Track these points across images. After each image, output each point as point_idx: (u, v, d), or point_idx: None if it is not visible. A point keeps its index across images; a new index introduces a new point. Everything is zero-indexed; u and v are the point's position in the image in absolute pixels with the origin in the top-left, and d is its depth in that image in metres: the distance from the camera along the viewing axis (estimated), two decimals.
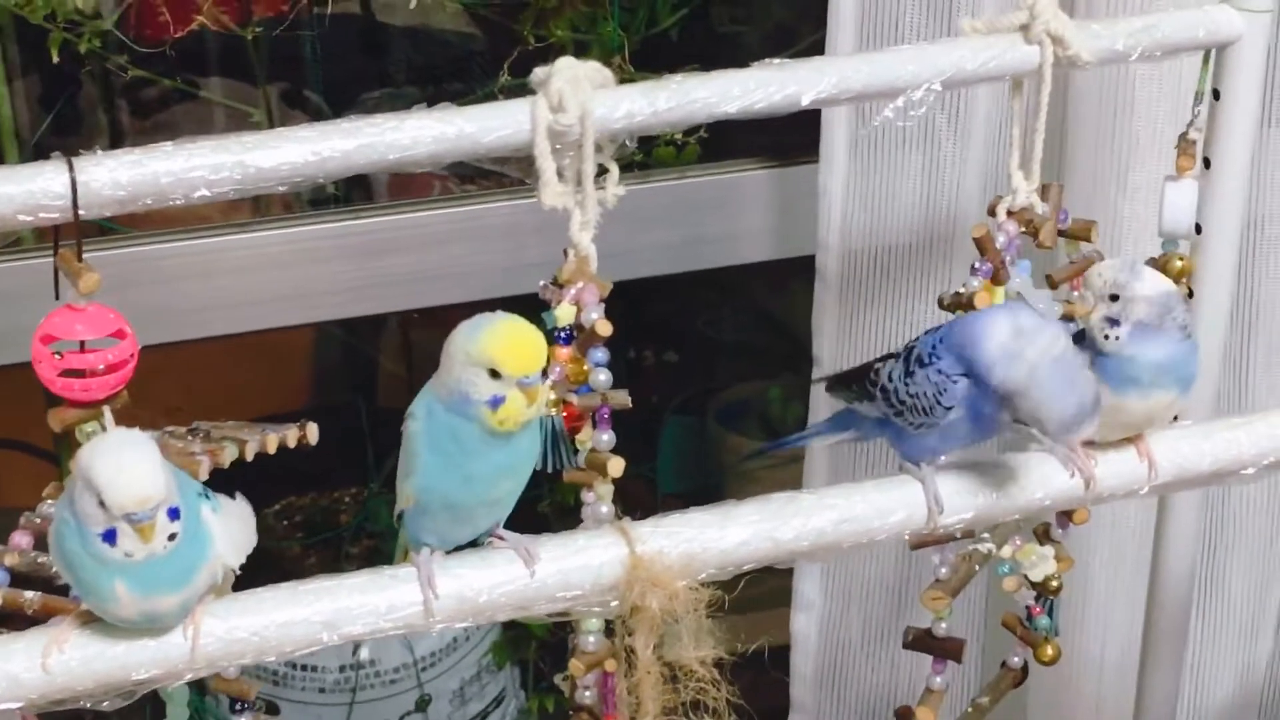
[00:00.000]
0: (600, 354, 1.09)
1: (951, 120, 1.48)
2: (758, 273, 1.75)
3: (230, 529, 0.90)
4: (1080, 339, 1.05)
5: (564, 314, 1.09)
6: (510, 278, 1.54)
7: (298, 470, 1.97)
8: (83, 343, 1.01)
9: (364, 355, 2.17)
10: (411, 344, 2.15)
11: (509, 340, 0.92)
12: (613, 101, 1.05)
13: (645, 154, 1.65)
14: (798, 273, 1.61)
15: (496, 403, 0.92)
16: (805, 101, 1.09)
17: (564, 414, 1.09)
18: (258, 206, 1.85)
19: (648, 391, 2.07)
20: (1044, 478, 1.04)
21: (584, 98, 1.04)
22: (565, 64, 1.05)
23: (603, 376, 1.09)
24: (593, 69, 1.06)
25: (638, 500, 2.09)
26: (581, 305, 1.09)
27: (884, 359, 1.07)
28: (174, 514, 0.85)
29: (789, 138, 1.56)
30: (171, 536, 0.85)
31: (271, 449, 1.18)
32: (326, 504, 2.05)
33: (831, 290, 1.53)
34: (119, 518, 0.84)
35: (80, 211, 0.98)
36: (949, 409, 1.00)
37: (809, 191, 1.52)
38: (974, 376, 0.99)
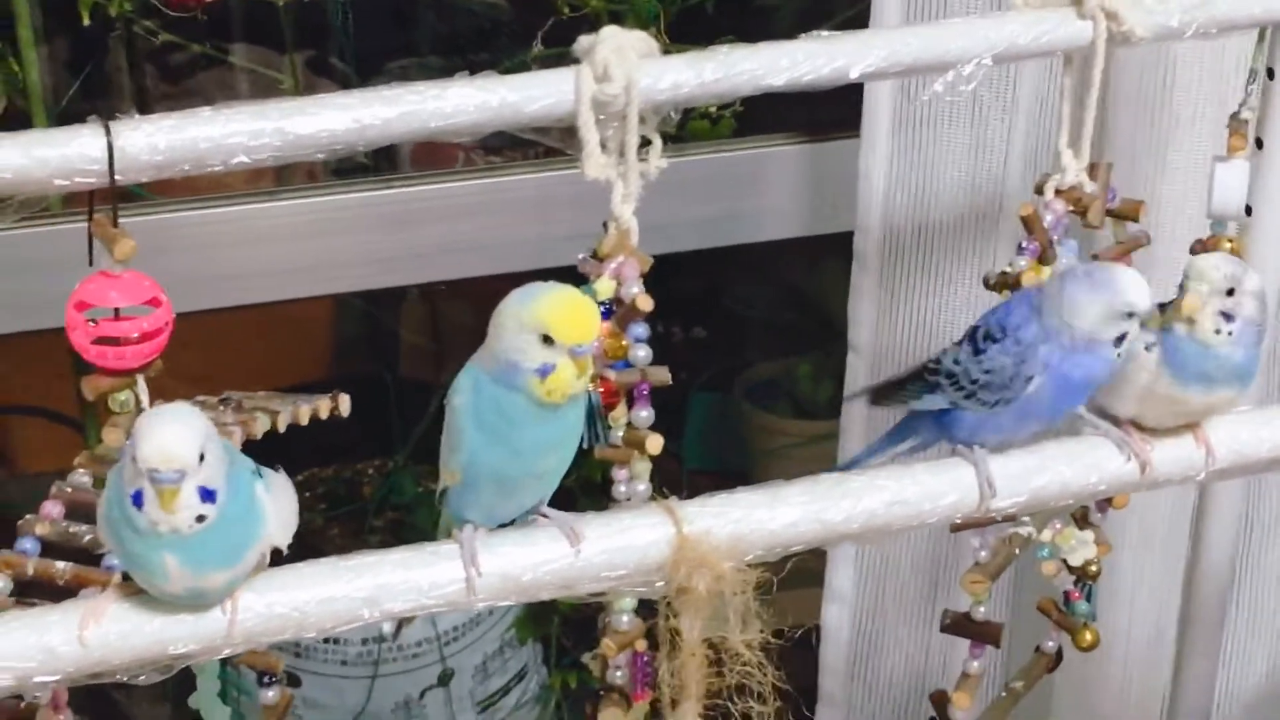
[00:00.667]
0: (640, 329, 1.07)
1: (998, 96, 1.46)
2: (788, 249, 1.74)
3: (281, 508, 0.89)
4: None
5: (604, 288, 1.07)
6: (540, 250, 1.52)
7: (321, 442, 1.96)
8: (117, 310, 0.99)
9: (388, 326, 2.15)
10: (437, 315, 2.13)
11: (565, 307, 0.91)
12: (658, 72, 1.03)
13: (679, 127, 1.63)
14: (829, 249, 1.59)
15: (546, 371, 0.90)
16: (854, 74, 1.07)
17: (600, 390, 1.07)
18: (280, 175, 1.83)
19: (675, 367, 2.05)
20: (1098, 461, 1.02)
21: (629, 67, 1.02)
22: (610, 32, 1.03)
23: (642, 353, 1.08)
24: (638, 38, 1.04)
25: (663, 476, 2.08)
26: (621, 280, 1.07)
27: (939, 354, 1.06)
28: (207, 495, 0.84)
29: (824, 113, 1.54)
30: (201, 518, 0.83)
31: (304, 420, 1.16)
32: (350, 476, 2.04)
33: (870, 274, 1.51)
34: (144, 474, 0.82)
35: (117, 177, 0.96)
36: (1030, 379, 0.99)
37: (843, 168, 1.50)
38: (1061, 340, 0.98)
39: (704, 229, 1.59)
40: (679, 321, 2.11)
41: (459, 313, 2.08)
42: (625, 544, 0.93)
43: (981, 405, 1.01)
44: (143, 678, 0.88)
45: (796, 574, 1.67)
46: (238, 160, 0.98)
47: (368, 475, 2.03)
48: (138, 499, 0.83)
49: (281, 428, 1.15)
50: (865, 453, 1.17)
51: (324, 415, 1.18)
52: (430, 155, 1.88)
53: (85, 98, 1.74)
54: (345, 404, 1.18)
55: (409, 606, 0.88)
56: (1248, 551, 1.58)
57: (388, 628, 1.73)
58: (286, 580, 0.88)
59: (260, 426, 1.13)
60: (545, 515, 0.95)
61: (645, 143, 1.06)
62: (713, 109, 1.63)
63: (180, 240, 1.53)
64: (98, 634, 0.85)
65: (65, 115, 1.64)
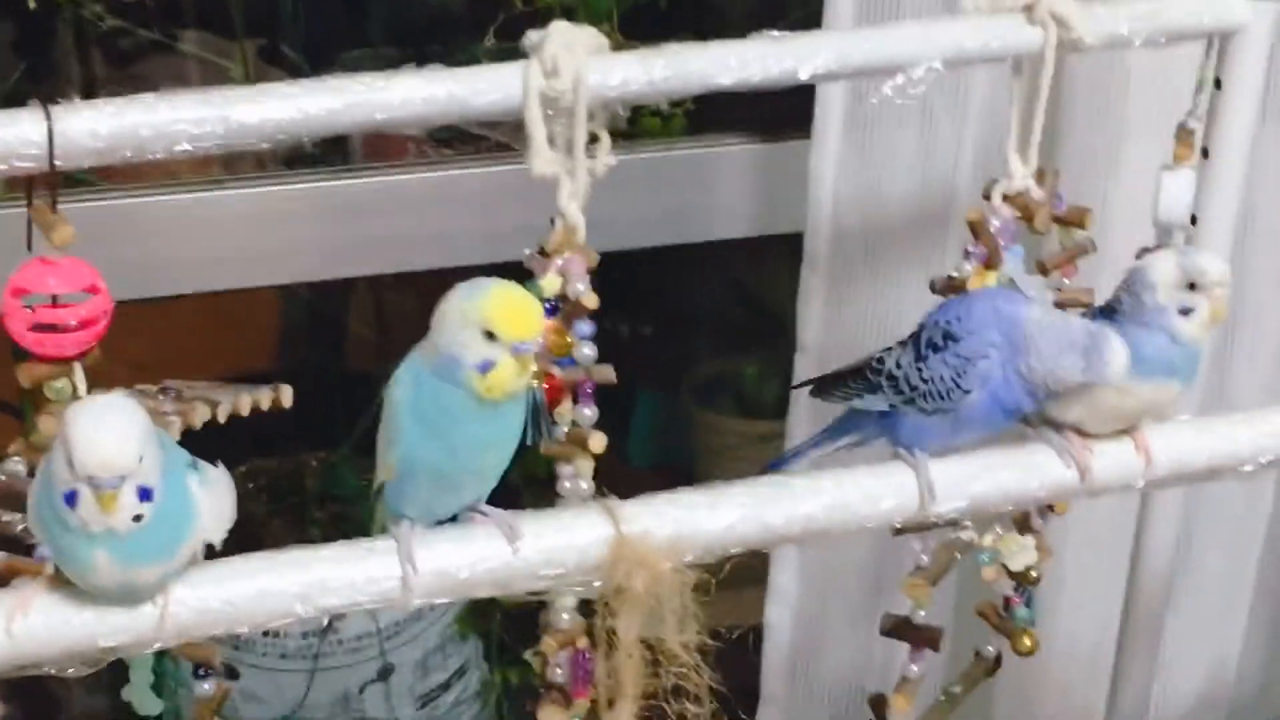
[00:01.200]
0: (585, 327, 1.07)
1: (950, 101, 1.45)
2: (737, 248, 1.73)
3: (216, 503, 0.88)
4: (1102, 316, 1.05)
5: (549, 284, 1.07)
6: (488, 244, 1.51)
7: (264, 432, 1.94)
8: (55, 297, 0.98)
9: (334, 318, 2.14)
10: (384, 307, 2.12)
11: (509, 304, 0.90)
12: (607, 68, 1.03)
13: (630, 123, 1.63)
14: (777, 249, 1.58)
15: (487, 367, 0.89)
16: (803, 75, 1.07)
17: (545, 386, 1.07)
18: (229, 164, 1.82)
19: (622, 365, 2.04)
20: (1038, 467, 1.02)
21: (578, 63, 1.02)
22: (560, 28, 1.03)
23: (587, 350, 1.07)
24: (588, 34, 1.03)
25: (608, 473, 2.07)
26: (568, 276, 1.06)
27: (883, 352, 1.06)
28: (145, 494, 0.82)
29: (775, 112, 1.54)
30: (137, 518, 0.82)
31: (244, 410, 1.15)
32: (293, 467, 2.02)
33: (820, 274, 1.51)
34: (82, 478, 0.81)
35: (57, 162, 0.95)
36: (967, 391, 0.99)
37: (794, 168, 1.50)
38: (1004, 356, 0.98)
39: (653, 226, 1.59)
40: (626, 319, 2.10)
41: (406, 305, 2.07)
42: (564, 543, 0.92)
43: (920, 411, 1.01)
44: (71, 671, 0.87)
45: (739, 573, 1.68)
46: (181, 148, 0.97)
47: (311, 467, 2.01)
48: (70, 499, 0.81)
49: (222, 418, 1.14)
50: (807, 444, 1.17)
51: (265, 406, 1.17)
52: (381, 148, 1.87)
53: (30, 82, 1.72)
54: (287, 395, 1.18)
55: (343, 603, 0.87)
56: (1188, 559, 1.59)
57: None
58: (220, 574, 0.87)
59: (200, 416, 1.12)
60: (483, 513, 0.94)
61: (594, 139, 1.06)
62: (665, 106, 1.62)
63: (127, 227, 1.52)
64: (24, 626, 0.84)
65: (9, 100, 1.61)
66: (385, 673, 1.84)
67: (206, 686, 1.12)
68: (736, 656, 1.76)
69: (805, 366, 1.54)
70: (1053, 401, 1.07)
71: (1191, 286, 1.02)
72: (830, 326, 1.52)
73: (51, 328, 0.98)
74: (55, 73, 1.82)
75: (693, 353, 2.13)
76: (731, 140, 1.59)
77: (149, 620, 0.85)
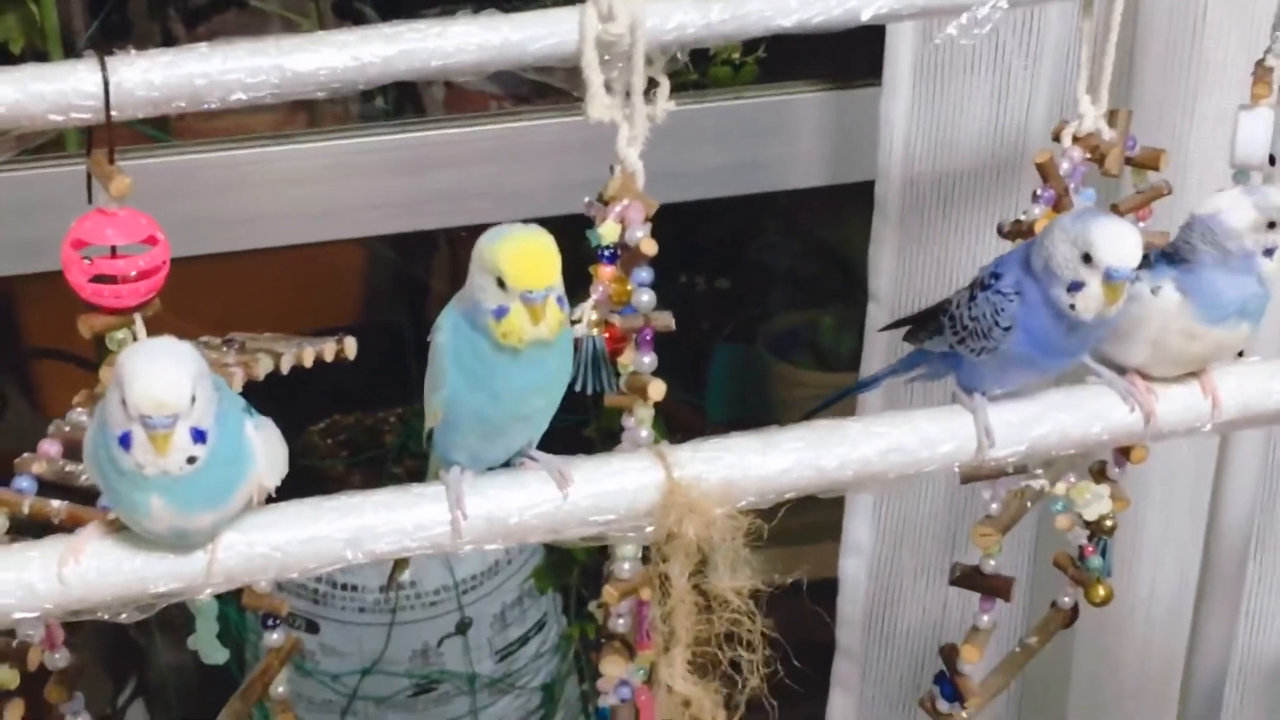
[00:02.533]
0: (644, 274, 1.06)
1: (1022, 42, 1.43)
2: (813, 199, 1.71)
3: (271, 448, 0.88)
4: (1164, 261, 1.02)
5: (608, 231, 1.06)
6: (556, 196, 1.50)
7: (344, 388, 1.95)
8: (114, 248, 0.99)
9: (413, 273, 2.14)
10: (460, 263, 2.12)
11: (517, 252, 0.89)
12: (664, 12, 1.02)
13: (701, 73, 1.61)
14: (853, 199, 1.56)
15: (501, 313, 0.89)
16: (865, 16, 1.05)
17: (606, 335, 1.06)
18: (313, 119, 1.82)
19: (699, 318, 2.04)
20: (1101, 411, 1.00)
21: (634, 7, 1.01)
22: None
23: (645, 297, 1.06)
24: None
25: (687, 427, 2.06)
26: (626, 223, 1.05)
27: (956, 294, 1.04)
28: (199, 436, 0.82)
29: (849, 59, 1.52)
30: (191, 460, 0.82)
31: (308, 362, 1.15)
32: (371, 423, 2.03)
33: (891, 222, 1.49)
34: (135, 419, 0.81)
35: (113, 112, 0.95)
36: (1006, 329, 0.97)
37: (867, 116, 1.48)
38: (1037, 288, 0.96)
39: (724, 177, 1.57)
40: (704, 271, 2.09)
41: None
42: (614, 488, 0.91)
43: (970, 352, 0.99)
44: (124, 616, 0.87)
45: (816, 527, 1.66)
46: (236, 97, 0.98)
47: (389, 422, 2.01)
48: (125, 441, 0.81)
49: (285, 370, 1.14)
50: (875, 377, 1.17)
51: (329, 358, 1.17)
52: (461, 103, 1.87)
53: (105, 38, 1.73)
54: (351, 347, 1.17)
55: (393, 548, 0.87)
56: (1272, 509, 1.55)
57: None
58: (269, 519, 0.87)
59: (263, 368, 1.12)
60: (533, 458, 0.94)
61: (653, 84, 1.05)
62: (735, 54, 1.60)
63: (202, 182, 1.53)
64: (76, 571, 0.84)
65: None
66: (463, 626, 1.85)
67: (274, 636, 1.13)
68: (812, 609, 1.76)
69: (878, 316, 1.53)
70: (1117, 344, 1.05)
71: (1271, 225, 1.00)
72: (903, 275, 1.51)
73: (111, 279, 0.99)
74: (130, 30, 1.82)
75: (769, 305, 2.11)
76: (802, 88, 1.57)
77: (198, 565, 0.85)
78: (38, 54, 1.58)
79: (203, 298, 1.97)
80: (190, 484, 0.83)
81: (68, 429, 1.05)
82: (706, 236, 2.02)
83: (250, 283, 2.00)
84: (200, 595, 0.86)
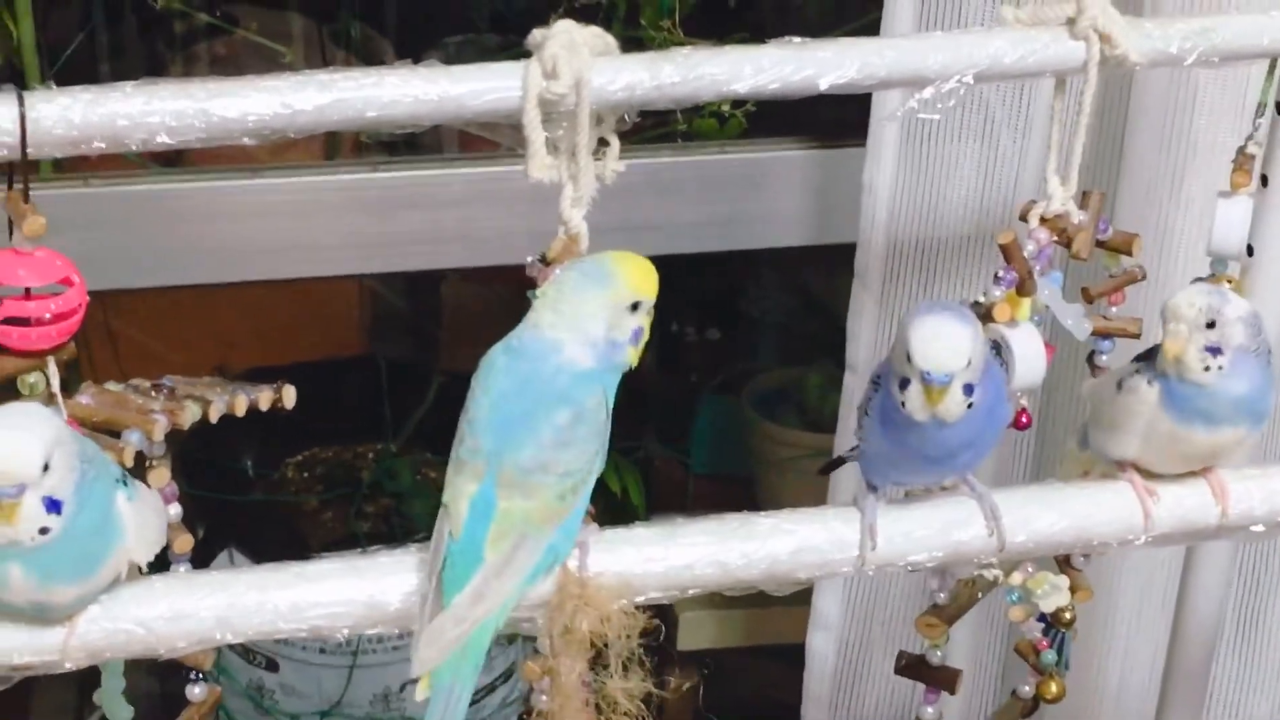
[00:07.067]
0: None
1: (1011, 114, 1.39)
2: (808, 254, 1.68)
3: (145, 522, 0.84)
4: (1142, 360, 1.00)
5: None
6: (535, 242, 1.47)
7: (326, 421, 1.93)
8: (28, 289, 0.95)
9: (398, 308, 2.12)
10: (445, 302, 2.10)
11: (643, 267, 0.92)
12: (611, 71, 0.98)
13: (687, 124, 1.58)
14: (846, 258, 1.53)
15: (638, 335, 0.91)
16: (823, 86, 1.01)
17: None
18: (328, 148, 1.79)
19: (685, 369, 2.00)
20: (1098, 512, 0.98)
21: (580, 65, 0.97)
22: (563, 27, 0.98)
23: None
24: (593, 34, 0.99)
25: (670, 479, 2.03)
26: None
27: None
28: (54, 506, 0.79)
29: (841, 115, 1.48)
30: (44, 530, 0.78)
31: (240, 411, 1.11)
32: (350, 458, 1.99)
33: (871, 292, 1.45)
34: None
35: (29, 149, 0.92)
36: (869, 417, 0.94)
37: (852, 176, 1.44)
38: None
39: (705, 231, 1.54)
40: (694, 322, 2.05)
41: (470, 299, 2.04)
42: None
43: (861, 440, 0.96)
44: None
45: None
46: (160, 139, 0.94)
47: (366, 459, 1.98)
48: None
49: (214, 418, 1.10)
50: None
51: (264, 407, 1.13)
52: (473, 140, 1.84)
53: (86, 59, 1.70)
54: (290, 396, 1.14)
55: (265, 628, 0.83)
56: (1251, 602, 1.51)
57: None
58: (135, 594, 0.83)
59: (189, 416, 1.08)
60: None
61: (604, 144, 1.01)
62: (725, 107, 1.57)
63: (200, 212, 1.50)
64: None
65: (61, 76, 1.61)
66: None
67: (196, 690, 1.09)
68: (779, 672, 1.72)
69: (855, 387, 1.48)
70: (1108, 434, 1.01)
71: (1210, 325, 0.96)
72: (881, 346, 1.46)
73: (23, 321, 0.95)
74: (122, 51, 1.80)
75: (757, 360, 2.08)
76: (787, 144, 1.54)
77: (55, 639, 0.81)
78: (15, 74, 1.55)
79: (187, 326, 1.95)
80: (50, 555, 0.79)
81: None
82: (700, 287, 1.99)
83: (237, 313, 1.98)
84: (60, 669, 0.82)
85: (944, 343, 0.90)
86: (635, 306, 0.91)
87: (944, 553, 0.96)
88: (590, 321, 0.91)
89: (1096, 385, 1.08)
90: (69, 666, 0.82)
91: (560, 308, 0.92)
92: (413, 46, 1.94)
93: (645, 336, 0.92)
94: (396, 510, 1.91)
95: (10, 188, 0.96)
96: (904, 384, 0.91)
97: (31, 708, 1.86)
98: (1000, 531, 0.97)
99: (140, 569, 0.84)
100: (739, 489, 1.97)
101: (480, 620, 0.87)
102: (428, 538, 0.90)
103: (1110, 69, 1.05)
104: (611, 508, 1.81)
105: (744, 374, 2.01)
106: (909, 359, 0.90)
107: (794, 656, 1.62)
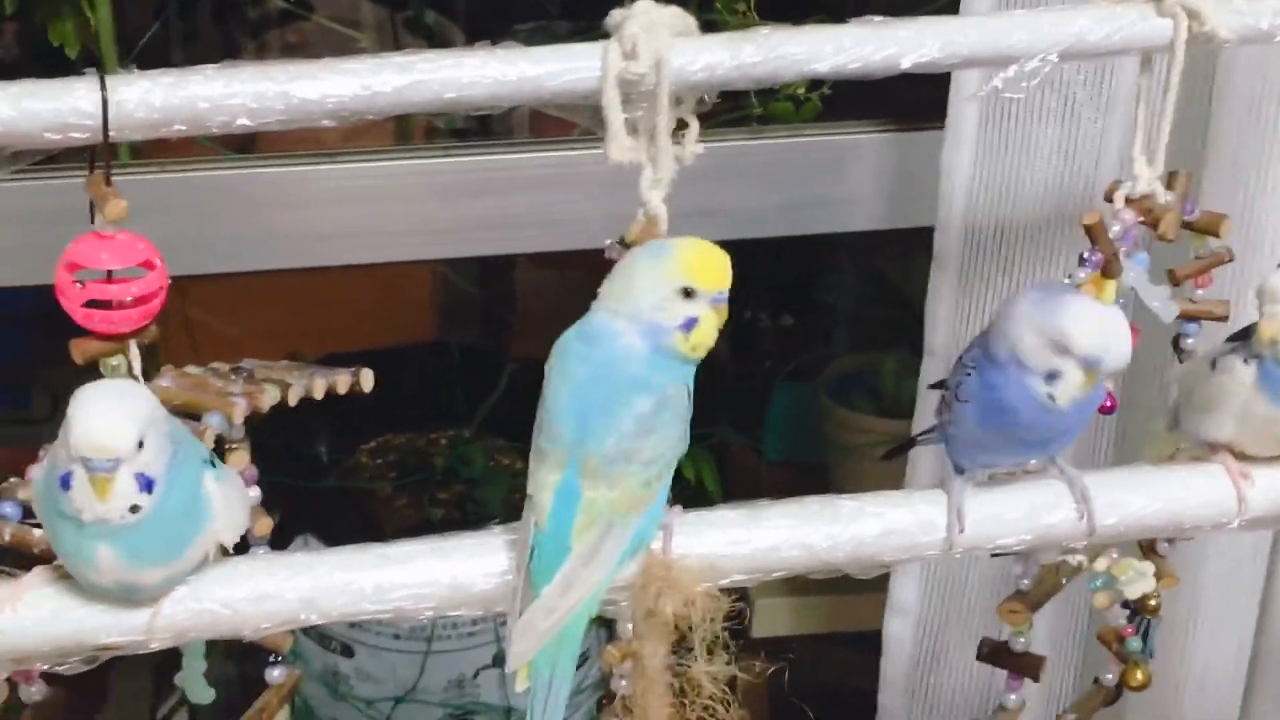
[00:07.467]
0: None
1: (1092, 94, 1.37)
2: (883, 239, 1.66)
3: (231, 504, 0.84)
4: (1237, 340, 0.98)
5: None
6: (611, 226, 1.46)
7: (402, 407, 1.93)
8: (110, 272, 0.96)
9: (474, 295, 2.12)
10: (516, 285, 2.09)
11: (704, 256, 0.89)
12: (692, 52, 0.97)
13: (762, 108, 1.57)
14: (922, 243, 1.51)
15: (690, 325, 0.87)
16: (905, 65, 1.00)
17: None
18: (399, 134, 1.79)
19: (760, 355, 1.99)
20: (1188, 495, 0.96)
21: (660, 45, 0.96)
22: (642, 7, 0.97)
23: None
24: (673, 14, 0.98)
25: (742, 466, 2.02)
26: None
27: None
28: (146, 485, 0.78)
29: (917, 97, 1.46)
30: (135, 509, 0.78)
31: (318, 394, 1.12)
32: (423, 444, 1.99)
33: (949, 275, 1.43)
34: (77, 460, 0.77)
35: (111, 133, 0.92)
36: (965, 403, 0.92)
37: (930, 159, 1.43)
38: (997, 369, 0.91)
39: (781, 216, 1.52)
40: (768, 309, 2.04)
41: (548, 286, 2.04)
42: None
43: (948, 425, 0.94)
44: (65, 668, 0.84)
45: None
46: (240, 122, 0.94)
47: (439, 445, 1.98)
48: (65, 482, 0.78)
49: (292, 401, 1.11)
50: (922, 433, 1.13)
51: (342, 390, 1.14)
52: (546, 125, 1.83)
53: (162, 46, 1.71)
54: (367, 380, 1.14)
55: (350, 610, 0.83)
56: None
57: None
58: (221, 574, 0.83)
59: (268, 399, 1.09)
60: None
61: (683, 125, 1.01)
62: (801, 90, 1.55)
63: (279, 198, 1.50)
64: (13, 619, 0.81)
65: (137, 64, 1.60)
66: (500, 658, 1.81)
67: (275, 673, 1.09)
68: (855, 659, 1.71)
69: (934, 371, 1.47)
70: (1202, 416, 1.00)
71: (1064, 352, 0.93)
72: (959, 330, 1.45)
73: (105, 304, 0.96)
74: (196, 36, 1.81)
75: (831, 346, 2.06)
76: (864, 127, 1.52)
77: (141, 619, 0.81)
78: (92, 60, 1.56)
79: (261, 312, 1.96)
80: (140, 535, 0.79)
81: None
82: (774, 273, 1.97)
83: (310, 298, 1.98)
84: (145, 649, 0.82)
85: (1109, 326, 0.90)
86: (689, 293, 0.88)
87: (1032, 536, 0.94)
88: (638, 297, 0.89)
89: (1189, 367, 1.07)
90: (154, 646, 0.82)
91: (614, 284, 0.92)
92: (484, 33, 1.92)
93: (705, 330, 0.89)
94: (470, 496, 1.91)
95: (92, 171, 0.96)
96: (1051, 376, 0.90)
97: (109, 693, 1.87)
98: (1091, 515, 0.96)
99: (225, 550, 0.84)
100: (813, 476, 1.95)
101: (572, 610, 0.86)
102: (501, 523, 0.90)
103: (1198, 46, 1.03)
104: (686, 495, 1.80)
105: (818, 360, 2.00)
106: (1065, 348, 0.89)
107: (869, 644, 1.61)
